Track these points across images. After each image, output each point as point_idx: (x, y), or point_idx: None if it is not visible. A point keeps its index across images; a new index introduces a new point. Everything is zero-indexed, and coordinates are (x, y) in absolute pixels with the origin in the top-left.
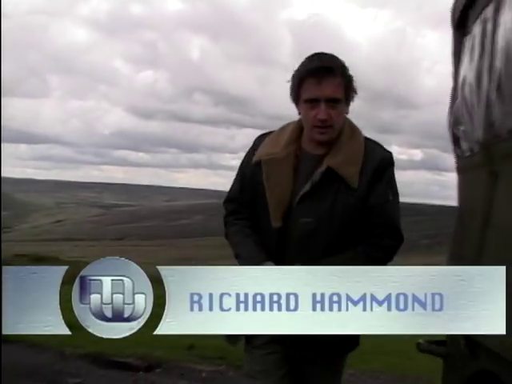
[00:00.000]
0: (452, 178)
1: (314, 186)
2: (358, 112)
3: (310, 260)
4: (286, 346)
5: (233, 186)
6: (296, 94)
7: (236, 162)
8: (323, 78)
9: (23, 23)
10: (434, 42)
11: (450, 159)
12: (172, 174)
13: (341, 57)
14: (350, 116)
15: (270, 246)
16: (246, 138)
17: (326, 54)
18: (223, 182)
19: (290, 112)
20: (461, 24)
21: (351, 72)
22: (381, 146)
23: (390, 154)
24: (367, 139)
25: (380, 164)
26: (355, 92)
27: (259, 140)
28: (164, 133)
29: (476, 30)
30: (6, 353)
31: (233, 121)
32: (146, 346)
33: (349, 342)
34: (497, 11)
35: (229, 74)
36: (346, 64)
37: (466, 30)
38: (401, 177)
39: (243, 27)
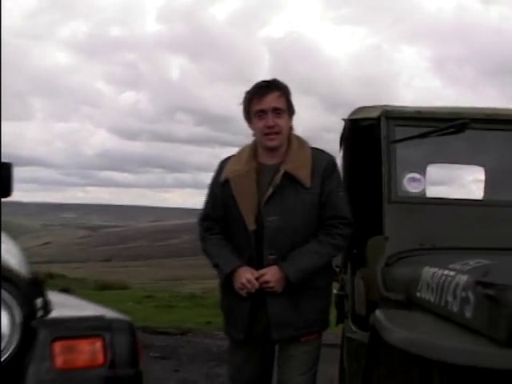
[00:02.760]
0: None
1: (275, 188)
2: (338, 127)
3: (281, 252)
4: (272, 329)
5: (205, 204)
6: (247, 112)
7: None
8: (267, 93)
9: (3, 46)
10: (412, 57)
11: None
12: (158, 193)
13: (319, 72)
14: (331, 131)
15: (250, 247)
16: None
17: (268, 79)
18: None
19: None
20: (341, 145)
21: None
22: (324, 152)
23: (332, 157)
24: (313, 148)
25: (326, 166)
26: (294, 109)
27: (223, 163)
28: (148, 153)
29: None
30: None
31: (216, 139)
32: (177, 322)
33: (323, 321)
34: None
35: (209, 93)
36: (284, 84)
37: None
38: None
39: (222, 46)
